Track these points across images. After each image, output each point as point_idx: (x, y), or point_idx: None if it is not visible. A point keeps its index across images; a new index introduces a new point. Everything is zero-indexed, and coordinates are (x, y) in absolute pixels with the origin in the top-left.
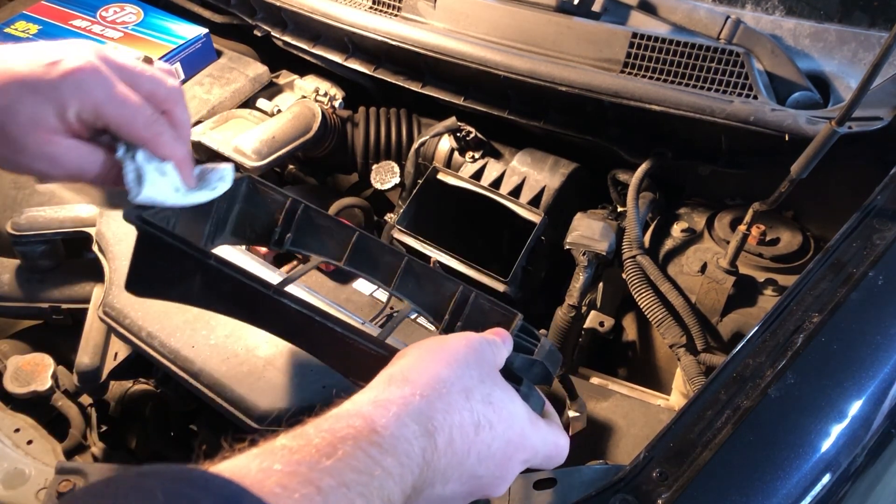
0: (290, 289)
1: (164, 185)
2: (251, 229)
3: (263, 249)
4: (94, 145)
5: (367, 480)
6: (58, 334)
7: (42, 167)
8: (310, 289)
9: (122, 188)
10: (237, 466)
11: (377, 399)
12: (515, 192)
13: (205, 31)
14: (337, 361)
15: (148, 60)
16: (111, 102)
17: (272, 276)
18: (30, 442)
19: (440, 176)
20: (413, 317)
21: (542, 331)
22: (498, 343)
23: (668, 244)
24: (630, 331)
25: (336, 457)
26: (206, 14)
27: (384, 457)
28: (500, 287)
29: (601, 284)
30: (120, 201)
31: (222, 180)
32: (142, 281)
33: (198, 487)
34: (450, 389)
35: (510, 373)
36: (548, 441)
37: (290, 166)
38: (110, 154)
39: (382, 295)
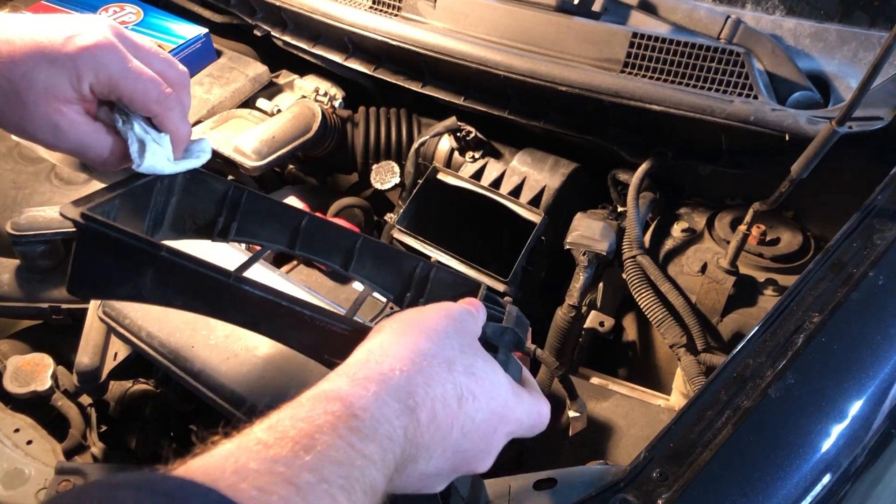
0: (284, 285)
1: (160, 155)
2: (192, 221)
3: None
4: (99, 124)
5: (349, 472)
6: (58, 334)
7: (46, 137)
8: (310, 289)
9: (116, 169)
10: (210, 467)
11: (355, 377)
12: (515, 192)
13: (205, 30)
14: (308, 347)
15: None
16: (126, 76)
17: (231, 264)
18: (30, 442)
19: (440, 176)
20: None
21: (507, 298)
22: (474, 312)
23: (668, 244)
24: (630, 331)
25: (315, 450)
26: (206, 14)
27: (365, 444)
28: (501, 287)
29: (601, 284)
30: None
31: (203, 151)
32: (86, 281)
33: (178, 500)
34: (430, 362)
35: (484, 342)
36: (531, 411)
37: (290, 166)
38: (113, 134)
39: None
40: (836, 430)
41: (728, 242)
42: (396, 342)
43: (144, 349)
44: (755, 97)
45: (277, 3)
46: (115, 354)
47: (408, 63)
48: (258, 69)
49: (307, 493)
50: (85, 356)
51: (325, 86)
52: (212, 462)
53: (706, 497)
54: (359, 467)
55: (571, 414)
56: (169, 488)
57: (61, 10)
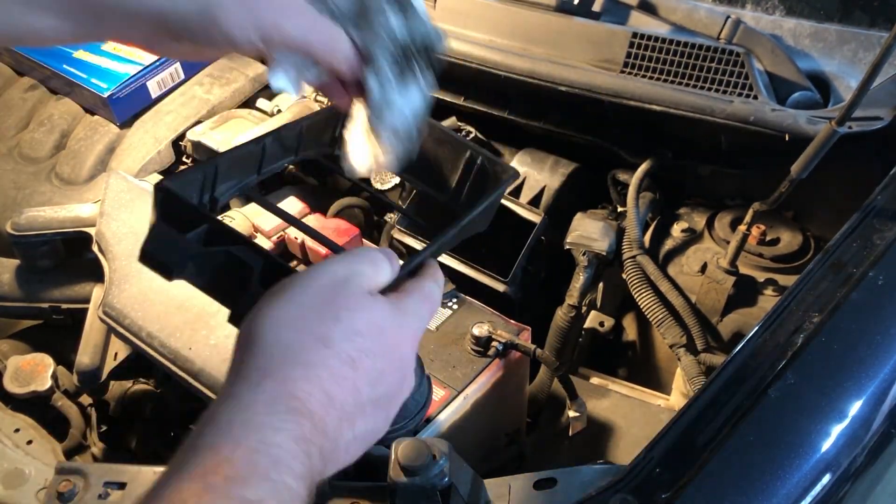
0: None
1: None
2: None
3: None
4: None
5: None
6: (58, 334)
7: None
8: None
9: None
10: None
11: (218, 414)
12: (515, 192)
13: None
14: None
15: None
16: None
17: None
18: (30, 442)
19: None
20: None
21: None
22: (374, 261)
23: (668, 244)
24: (630, 331)
25: None
26: None
27: (247, 488)
28: (501, 287)
29: (601, 284)
30: None
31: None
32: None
33: None
34: (301, 347)
35: None
36: (423, 313)
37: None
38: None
39: None
40: (836, 430)
41: (728, 242)
42: (261, 345)
43: (144, 349)
44: (755, 97)
45: None
46: (115, 354)
47: None
48: (258, 69)
49: None
50: (85, 356)
51: None
52: None
53: (706, 497)
54: None
55: (571, 414)
56: None
57: None
